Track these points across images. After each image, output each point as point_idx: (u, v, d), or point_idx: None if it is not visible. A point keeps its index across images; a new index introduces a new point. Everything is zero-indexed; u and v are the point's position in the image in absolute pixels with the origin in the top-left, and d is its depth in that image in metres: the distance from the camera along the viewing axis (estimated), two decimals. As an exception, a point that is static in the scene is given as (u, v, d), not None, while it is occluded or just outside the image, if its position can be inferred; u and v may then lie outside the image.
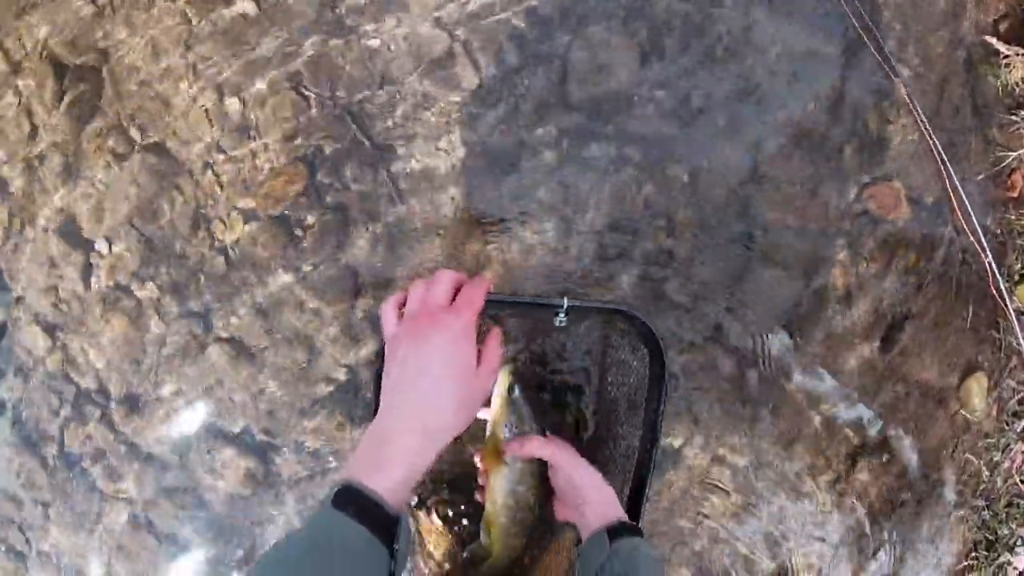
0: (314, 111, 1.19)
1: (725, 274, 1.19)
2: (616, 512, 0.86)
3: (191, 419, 1.24)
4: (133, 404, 1.29)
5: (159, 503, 1.25)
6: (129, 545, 1.29)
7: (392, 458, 0.60)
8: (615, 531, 0.81)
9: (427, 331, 0.62)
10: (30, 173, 1.39)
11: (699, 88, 1.20)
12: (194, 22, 1.26)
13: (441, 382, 0.62)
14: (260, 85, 1.23)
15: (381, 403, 0.65)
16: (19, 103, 1.42)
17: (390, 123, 1.19)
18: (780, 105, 1.22)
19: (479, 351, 0.66)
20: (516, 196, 1.20)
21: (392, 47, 1.19)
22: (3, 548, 1.33)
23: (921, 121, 1.24)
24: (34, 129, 1.39)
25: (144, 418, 1.26)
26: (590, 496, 0.87)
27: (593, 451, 1.04)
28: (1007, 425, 1.44)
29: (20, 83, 1.42)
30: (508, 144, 1.19)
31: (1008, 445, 1.44)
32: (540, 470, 0.93)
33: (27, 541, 1.32)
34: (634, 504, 0.93)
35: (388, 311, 0.68)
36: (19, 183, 1.41)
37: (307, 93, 1.20)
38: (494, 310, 0.97)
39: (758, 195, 1.20)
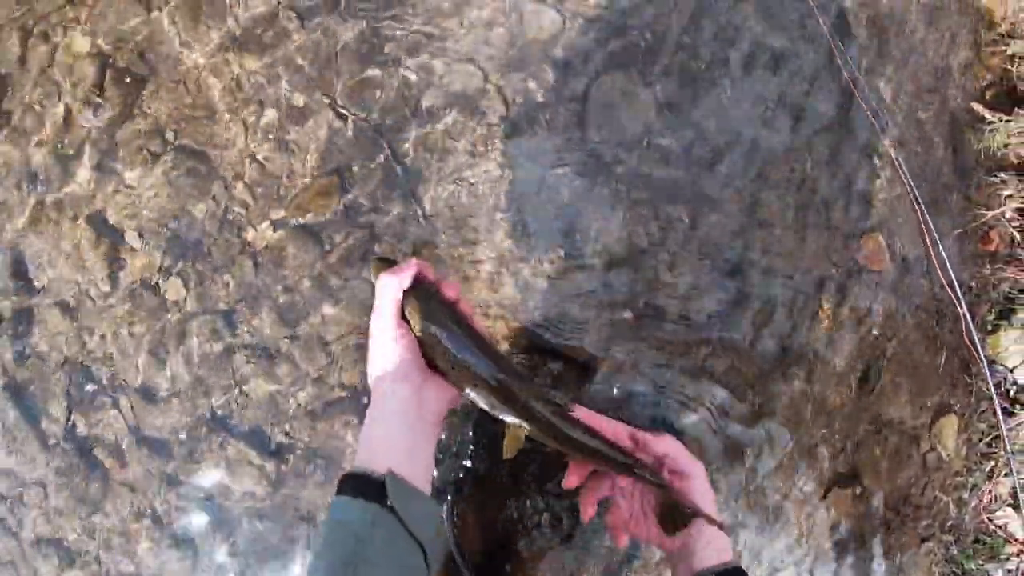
0: (350, 132, 1.28)
1: (716, 312, 1.28)
2: (729, 552, 0.79)
3: (206, 414, 1.30)
4: (149, 396, 1.35)
5: (166, 493, 1.30)
6: (132, 533, 1.34)
7: (362, 437, 0.74)
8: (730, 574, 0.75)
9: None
10: (65, 164, 1.45)
11: (703, 138, 1.30)
12: (238, 35, 1.35)
13: (372, 363, 0.76)
14: (300, 101, 1.31)
15: None
16: (58, 95, 1.49)
17: (421, 150, 1.28)
18: (774, 157, 1.32)
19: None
20: (534, 232, 1.28)
21: (427, 80, 1.28)
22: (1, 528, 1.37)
23: (906, 180, 1.35)
24: (71, 121, 1.46)
25: (159, 408, 1.32)
26: (705, 525, 0.79)
27: None
28: (976, 465, 1.54)
29: (60, 76, 1.49)
30: (530, 178, 1.28)
31: (977, 485, 1.54)
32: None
33: (20, 522, 1.36)
34: None
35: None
36: (54, 172, 1.47)
37: (344, 114, 1.29)
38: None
39: (752, 239, 1.30)
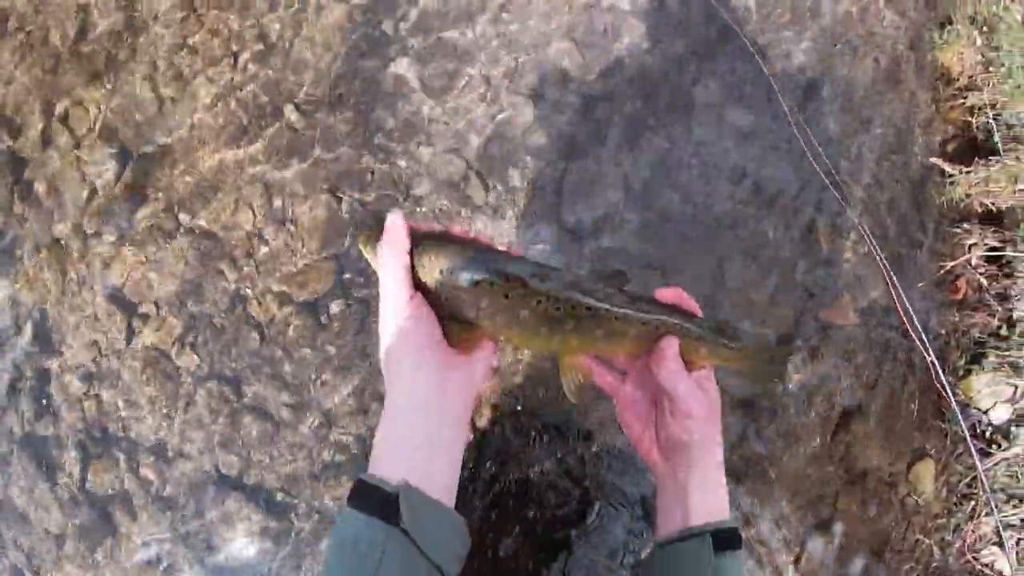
0: (345, 214, 1.39)
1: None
2: (725, 509, 0.65)
3: (213, 472, 1.39)
4: (159, 453, 1.44)
5: (174, 546, 1.39)
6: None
7: (378, 436, 0.60)
8: (724, 539, 0.61)
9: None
10: (86, 239, 1.58)
11: (673, 210, 1.39)
12: (246, 124, 1.47)
13: (385, 350, 0.62)
14: (300, 187, 1.43)
15: None
16: (82, 176, 1.63)
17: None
18: (739, 225, 1.41)
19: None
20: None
21: (416, 166, 1.40)
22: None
23: (868, 238, 1.43)
24: (93, 199, 1.59)
25: (169, 466, 1.41)
26: (698, 468, 0.65)
27: None
28: (957, 507, 1.58)
29: (84, 156, 1.62)
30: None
31: (959, 526, 1.57)
32: None
33: (37, 572, 1.44)
34: None
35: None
36: (75, 246, 1.59)
37: (340, 196, 1.40)
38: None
39: (723, 301, 1.38)
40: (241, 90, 1.47)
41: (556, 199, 1.38)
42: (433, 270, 0.64)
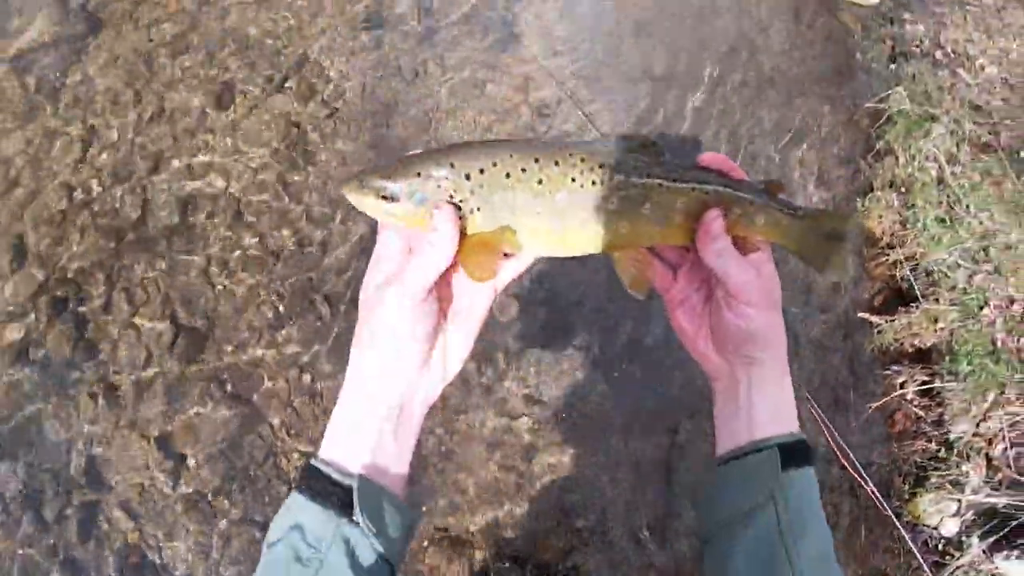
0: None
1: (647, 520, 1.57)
2: (793, 417, 0.59)
3: (249, 612, 1.59)
4: (197, 586, 1.63)
5: None
6: None
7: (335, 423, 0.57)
8: (791, 452, 0.55)
9: None
10: (139, 389, 1.83)
11: (631, 375, 1.66)
12: (282, 312, 1.77)
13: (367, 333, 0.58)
14: (327, 366, 1.71)
15: None
16: (138, 338, 1.90)
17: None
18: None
19: None
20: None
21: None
22: None
23: (808, 397, 1.68)
24: (148, 360, 1.85)
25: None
26: (760, 366, 0.58)
27: None
28: (917, 619, 1.74)
29: (140, 323, 1.90)
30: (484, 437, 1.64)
31: (922, 636, 1.74)
32: None
33: None
34: None
35: None
36: (129, 396, 1.84)
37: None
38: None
39: (676, 458, 1.62)
40: (281, 283, 1.78)
41: (536, 391, 1.65)
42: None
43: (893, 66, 2.17)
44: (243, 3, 2.26)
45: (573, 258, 0.61)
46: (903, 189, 2.02)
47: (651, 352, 1.72)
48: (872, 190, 2.01)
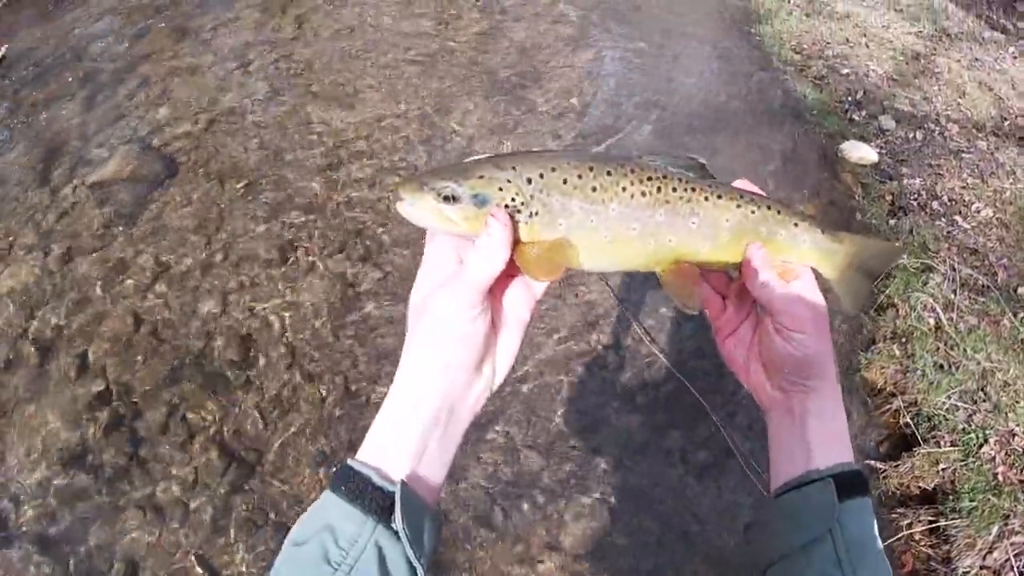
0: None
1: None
2: (847, 447, 0.59)
3: None
4: None
5: None
6: None
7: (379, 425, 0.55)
8: (848, 482, 0.55)
9: None
10: (187, 512, 1.96)
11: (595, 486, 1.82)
12: (328, 452, 1.95)
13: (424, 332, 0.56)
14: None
15: None
16: (188, 460, 2.03)
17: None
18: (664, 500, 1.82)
19: None
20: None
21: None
22: None
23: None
24: (196, 483, 1.97)
25: None
26: (815, 395, 0.59)
27: None
28: None
29: (193, 447, 2.05)
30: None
31: None
32: None
33: None
34: None
35: None
36: (177, 514, 1.96)
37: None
38: None
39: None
40: (328, 426, 1.96)
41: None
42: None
43: (893, 221, 2.39)
44: (319, 169, 2.52)
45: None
46: (903, 339, 2.20)
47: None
48: (875, 343, 2.20)
